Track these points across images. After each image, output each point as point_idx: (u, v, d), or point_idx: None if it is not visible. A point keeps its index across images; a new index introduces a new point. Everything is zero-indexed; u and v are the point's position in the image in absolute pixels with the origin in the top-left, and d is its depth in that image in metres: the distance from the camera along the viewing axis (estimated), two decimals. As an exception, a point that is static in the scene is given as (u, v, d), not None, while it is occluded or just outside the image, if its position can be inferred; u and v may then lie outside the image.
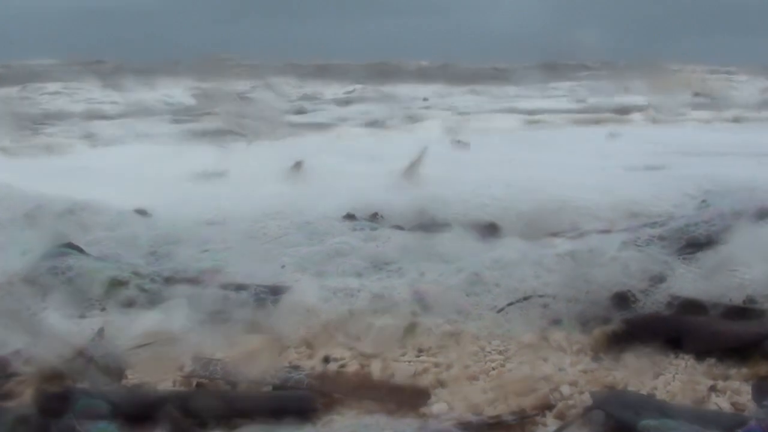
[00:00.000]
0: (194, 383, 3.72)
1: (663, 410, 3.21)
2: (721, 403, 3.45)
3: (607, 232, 5.41)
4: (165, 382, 3.73)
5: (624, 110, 19.40)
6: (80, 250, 5.05)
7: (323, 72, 33.12)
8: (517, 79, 29.54)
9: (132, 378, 3.79)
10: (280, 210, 5.80)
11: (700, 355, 3.85)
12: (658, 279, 4.57)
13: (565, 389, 3.53)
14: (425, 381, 3.68)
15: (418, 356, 3.93)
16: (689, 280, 4.56)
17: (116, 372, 3.81)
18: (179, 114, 17.38)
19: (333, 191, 6.40)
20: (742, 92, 24.99)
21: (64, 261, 4.81)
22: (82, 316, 4.40)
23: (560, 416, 3.36)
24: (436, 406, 3.46)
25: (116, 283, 4.66)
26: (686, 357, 3.86)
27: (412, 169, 7.55)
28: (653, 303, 4.37)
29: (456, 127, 12.81)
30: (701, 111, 18.26)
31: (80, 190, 6.40)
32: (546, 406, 3.41)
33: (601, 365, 3.80)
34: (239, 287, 4.54)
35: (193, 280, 4.75)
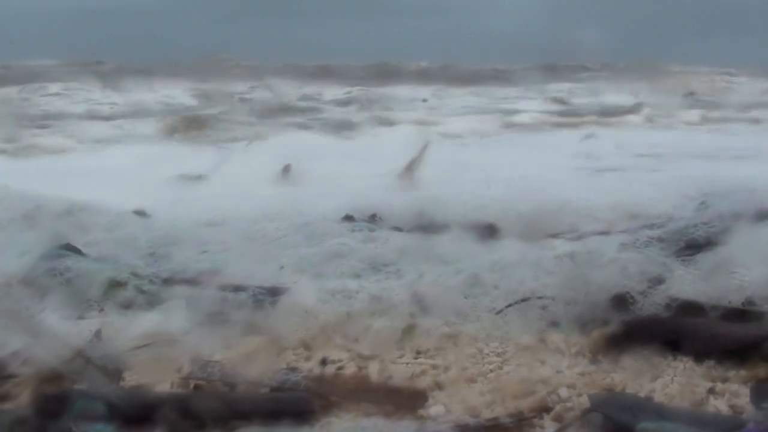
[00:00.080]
0: (192, 385, 3.72)
1: (661, 413, 3.21)
2: (719, 405, 3.45)
3: (606, 233, 5.40)
4: (163, 383, 3.72)
5: (616, 112, 19.45)
6: (78, 252, 5.05)
7: (323, 73, 33.14)
8: (517, 81, 29.56)
9: (130, 379, 3.79)
10: (279, 211, 5.79)
11: (699, 357, 3.84)
12: (657, 281, 4.56)
13: (563, 392, 3.52)
14: (423, 383, 3.67)
15: (416, 358, 3.92)
16: (688, 282, 4.55)
17: (114, 373, 3.80)
18: (179, 115, 17.34)
19: (331, 192, 6.39)
20: (742, 93, 24.98)
21: (63, 262, 4.80)
22: (81, 318, 4.39)
23: (558, 419, 3.36)
24: (434, 409, 3.46)
25: (114, 285, 4.66)
26: (685, 359, 3.85)
27: (412, 165, 7.55)
28: (652, 305, 4.36)
29: (430, 131, 12.84)
30: (693, 112, 18.22)
31: (79, 191, 6.39)
32: (544, 409, 3.41)
33: (599, 367, 3.79)
34: (237, 288, 4.54)
35: (191, 282, 4.74)
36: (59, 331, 4.07)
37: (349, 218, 5.83)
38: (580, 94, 26.12)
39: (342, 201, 6.10)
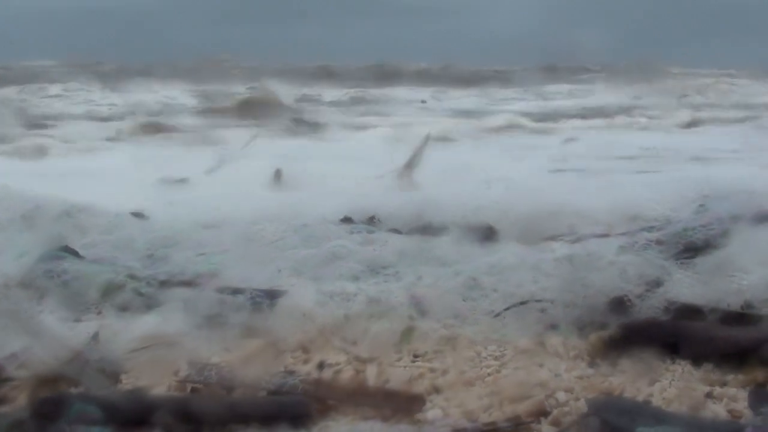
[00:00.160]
0: (189, 388, 3.71)
1: (659, 417, 3.20)
2: (717, 409, 3.44)
3: (604, 236, 5.40)
4: (160, 386, 3.72)
5: (607, 113, 19.48)
6: (76, 254, 5.04)
7: (323, 74, 33.15)
8: (516, 82, 29.59)
9: (127, 382, 3.78)
10: (277, 213, 5.78)
11: (697, 360, 3.83)
12: (656, 284, 4.55)
13: (561, 396, 3.51)
14: (421, 387, 3.66)
15: (414, 361, 3.92)
16: (687, 285, 4.54)
17: (111, 376, 3.80)
18: (178, 115, 17.33)
19: (329, 195, 6.38)
20: (739, 95, 25.01)
21: (60, 264, 4.80)
22: (78, 320, 4.39)
23: (555, 423, 3.35)
24: (431, 413, 3.45)
25: (112, 287, 4.65)
26: (683, 363, 3.84)
27: (412, 162, 7.54)
28: (650, 308, 4.35)
29: (402, 134, 12.88)
30: (686, 114, 18.21)
31: (77, 192, 6.38)
32: (541, 413, 3.40)
33: (597, 371, 3.79)
34: (235, 291, 4.53)
35: (189, 284, 4.74)
36: (56, 333, 4.05)
37: (347, 220, 5.83)
38: (577, 95, 26.15)
39: (340, 203, 6.09)
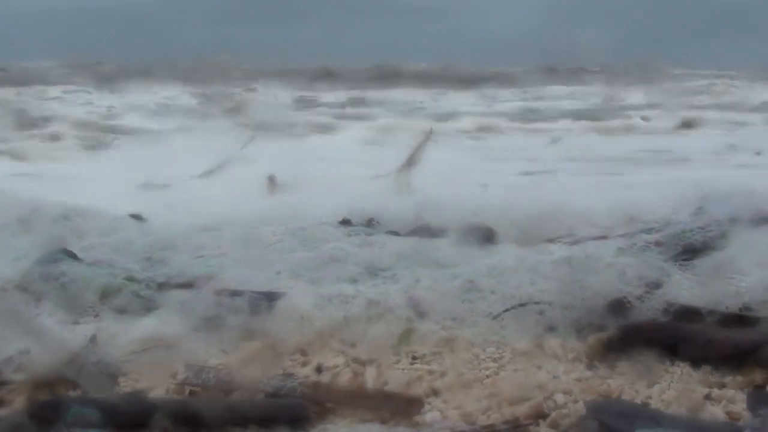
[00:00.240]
0: (187, 391, 3.70)
1: (657, 419, 3.20)
2: (716, 411, 3.43)
3: (603, 238, 5.39)
4: (158, 389, 3.71)
5: (598, 115, 19.53)
6: (74, 256, 5.04)
7: (323, 75, 33.16)
8: (514, 83, 29.62)
9: (125, 385, 3.78)
10: (275, 216, 5.78)
11: (696, 362, 3.83)
12: (654, 286, 4.55)
13: (560, 398, 3.51)
14: (419, 389, 3.66)
15: (413, 364, 3.91)
16: (685, 287, 4.54)
17: (109, 379, 3.79)
18: (177, 116, 17.34)
19: (328, 196, 6.38)
20: (736, 97, 25.04)
21: (58, 267, 4.79)
22: (76, 323, 4.38)
23: (554, 425, 3.35)
24: (430, 415, 3.45)
25: (110, 290, 4.65)
26: (681, 365, 3.84)
27: (412, 159, 7.53)
28: (649, 310, 4.35)
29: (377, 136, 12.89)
30: (677, 115, 18.20)
31: (75, 193, 6.39)
32: (540, 415, 3.40)
33: (595, 373, 3.78)
34: (234, 293, 4.52)
35: (187, 286, 4.73)
36: (54, 336, 4.05)
37: (346, 222, 5.83)
38: (576, 96, 26.16)
39: (338, 204, 6.09)
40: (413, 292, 4.56)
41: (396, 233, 5.66)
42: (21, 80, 28.09)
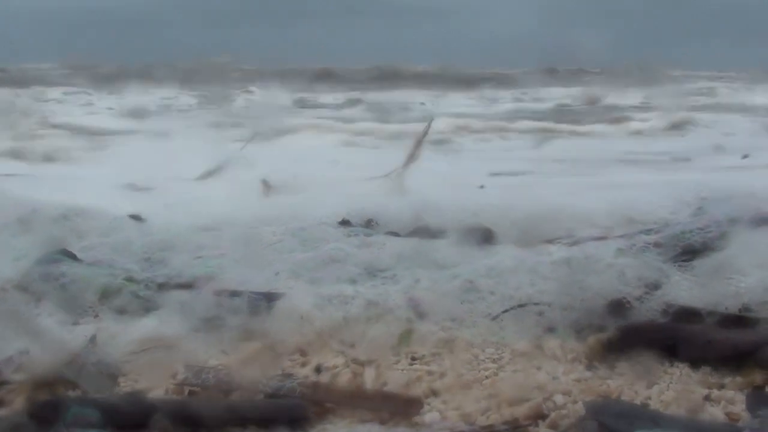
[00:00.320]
0: (187, 391, 3.71)
1: (656, 420, 3.20)
2: (715, 412, 3.44)
3: (602, 239, 5.39)
4: (158, 389, 3.71)
5: (592, 117, 19.55)
6: (74, 257, 5.04)
7: (323, 76, 33.17)
8: (512, 84, 29.64)
9: (125, 385, 3.78)
10: (275, 216, 5.78)
11: (695, 363, 3.83)
12: (654, 286, 4.55)
13: (559, 398, 3.51)
14: (418, 389, 3.66)
15: (412, 364, 3.92)
16: (685, 288, 4.54)
17: (109, 379, 3.79)
18: (177, 117, 17.35)
19: (328, 197, 6.38)
20: (734, 97, 25.05)
21: (58, 267, 4.79)
22: (76, 323, 4.38)
23: (553, 426, 3.35)
24: (429, 416, 3.45)
25: (110, 290, 4.65)
26: (681, 365, 3.84)
27: (413, 155, 7.52)
28: (648, 311, 4.35)
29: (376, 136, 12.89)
30: (665, 117, 18.17)
31: (75, 194, 6.39)
32: (539, 416, 3.40)
33: (595, 374, 3.79)
34: (233, 294, 4.52)
35: (187, 287, 4.73)
36: (54, 336, 4.05)
37: (345, 223, 5.83)
38: (574, 97, 26.19)
39: (338, 206, 6.09)
40: (413, 293, 4.56)
41: (395, 234, 5.66)
42: (20, 81, 28.09)
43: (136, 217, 5.94)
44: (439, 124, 15.81)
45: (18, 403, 3.53)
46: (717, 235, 5.12)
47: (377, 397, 3.58)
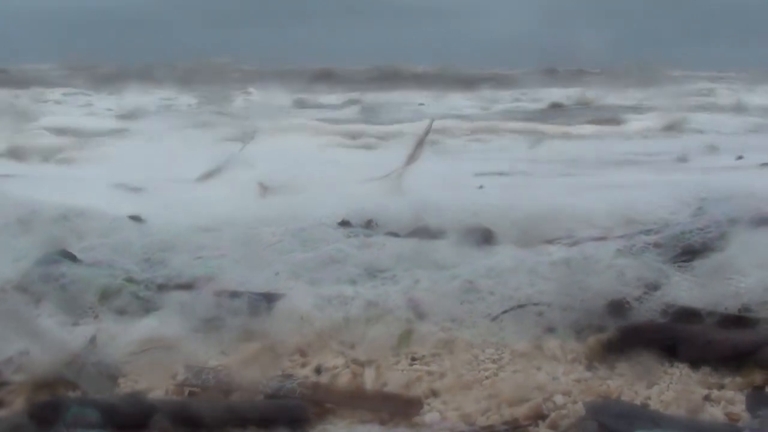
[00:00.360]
0: (187, 392, 3.71)
1: (656, 420, 3.20)
2: (715, 412, 3.44)
3: (602, 239, 5.39)
4: (158, 390, 3.72)
5: (587, 118, 19.56)
6: (73, 258, 5.04)
7: (322, 76, 33.18)
8: (514, 84, 29.67)
9: (125, 386, 3.78)
10: (275, 216, 5.78)
11: (695, 364, 3.83)
12: (654, 287, 4.55)
13: (559, 399, 3.51)
14: (418, 390, 3.66)
15: (412, 364, 3.92)
16: (684, 288, 4.54)
17: (109, 380, 3.79)
18: (177, 118, 17.35)
19: (327, 197, 6.38)
20: (731, 98, 25.06)
21: (57, 268, 4.79)
22: (75, 324, 4.37)
23: (553, 426, 3.35)
24: (429, 416, 3.45)
25: (110, 291, 4.65)
26: (681, 366, 3.84)
27: (416, 152, 7.52)
28: (648, 311, 4.35)
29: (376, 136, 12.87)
30: (660, 118, 18.15)
31: (75, 195, 6.38)
32: (539, 416, 3.40)
33: (595, 374, 3.79)
34: (233, 294, 4.52)
35: (187, 287, 4.73)
36: (54, 337, 4.05)
37: (345, 223, 5.82)
38: (570, 97, 26.20)
39: (337, 206, 6.09)
40: (412, 294, 4.56)
41: (395, 234, 5.66)
42: (20, 82, 28.10)
43: (135, 218, 5.94)
44: (439, 125, 15.81)
45: (18, 404, 3.53)
46: (717, 235, 5.12)
47: (377, 398, 3.58)
